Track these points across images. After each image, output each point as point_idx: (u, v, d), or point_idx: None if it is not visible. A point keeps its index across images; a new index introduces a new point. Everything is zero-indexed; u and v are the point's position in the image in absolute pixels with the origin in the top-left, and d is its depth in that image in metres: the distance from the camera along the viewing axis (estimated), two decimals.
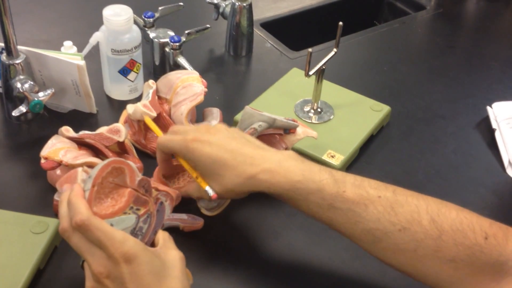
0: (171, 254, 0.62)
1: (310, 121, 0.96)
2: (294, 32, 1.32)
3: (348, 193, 0.65)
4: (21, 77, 0.91)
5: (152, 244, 0.65)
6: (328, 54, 0.93)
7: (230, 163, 0.69)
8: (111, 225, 0.60)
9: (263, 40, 1.22)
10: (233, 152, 0.70)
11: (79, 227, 0.58)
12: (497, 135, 0.99)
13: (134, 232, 0.63)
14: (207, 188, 0.70)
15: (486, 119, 1.03)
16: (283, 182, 0.67)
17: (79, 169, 0.69)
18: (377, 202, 0.64)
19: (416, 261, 0.63)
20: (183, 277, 0.61)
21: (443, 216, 0.63)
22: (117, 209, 0.62)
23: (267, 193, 0.69)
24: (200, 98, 0.89)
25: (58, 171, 0.82)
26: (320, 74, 0.93)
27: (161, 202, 0.67)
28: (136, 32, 0.98)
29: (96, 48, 0.99)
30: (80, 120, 0.97)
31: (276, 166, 0.68)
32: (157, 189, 0.67)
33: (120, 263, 0.57)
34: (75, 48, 1.01)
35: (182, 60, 1.03)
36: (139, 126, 0.90)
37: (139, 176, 0.65)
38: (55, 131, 0.85)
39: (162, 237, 0.65)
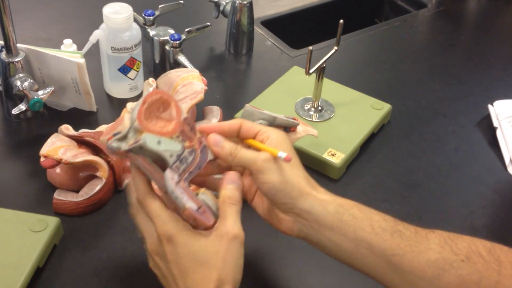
0: (218, 239, 0.59)
1: (310, 119, 0.96)
2: (294, 30, 1.32)
3: (405, 223, 0.62)
4: (21, 75, 0.91)
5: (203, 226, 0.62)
6: (328, 52, 0.93)
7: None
8: (159, 142, 0.60)
9: (263, 38, 1.21)
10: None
11: (139, 203, 0.62)
12: (498, 133, 0.98)
13: (180, 159, 0.62)
14: (280, 153, 0.62)
15: (487, 118, 1.02)
16: (345, 199, 0.63)
17: (126, 114, 0.67)
18: (434, 233, 0.61)
19: None
20: (225, 267, 0.58)
21: (497, 248, 0.61)
22: (164, 131, 0.61)
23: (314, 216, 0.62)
24: (200, 96, 0.89)
25: (57, 170, 0.82)
26: (321, 72, 0.93)
27: (205, 145, 0.65)
28: (136, 30, 0.97)
29: (96, 46, 0.99)
30: (80, 118, 0.97)
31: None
32: (201, 132, 0.66)
33: (163, 241, 0.59)
34: (75, 46, 1.01)
35: (182, 58, 1.03)
36: None
37: (184, 115, 0.64)
38: (54, 129, 0.84)
39: (223, 217, 0.60)
